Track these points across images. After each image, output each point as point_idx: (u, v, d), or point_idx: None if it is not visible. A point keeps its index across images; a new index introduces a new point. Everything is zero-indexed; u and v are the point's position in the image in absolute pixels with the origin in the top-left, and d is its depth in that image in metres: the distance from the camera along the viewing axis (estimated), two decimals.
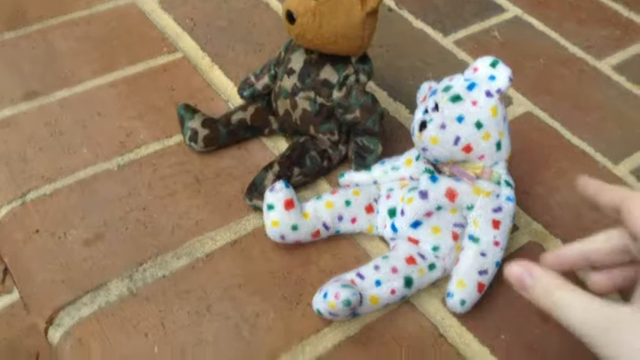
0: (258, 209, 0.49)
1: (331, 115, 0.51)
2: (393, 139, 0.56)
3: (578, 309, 0.31)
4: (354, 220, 0.48)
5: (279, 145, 0.55)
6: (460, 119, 0.42)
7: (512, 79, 0.43)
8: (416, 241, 0.46)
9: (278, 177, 0.50)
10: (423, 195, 0.44)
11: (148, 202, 0.50)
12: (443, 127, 0.43)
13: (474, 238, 0.44)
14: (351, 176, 0.52)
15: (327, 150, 0.52)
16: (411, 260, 0.44)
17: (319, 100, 0.51)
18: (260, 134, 0.56)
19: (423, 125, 0.44)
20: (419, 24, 0.70)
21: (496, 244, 0.44)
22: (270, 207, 0.46)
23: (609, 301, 0.31)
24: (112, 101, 0.58)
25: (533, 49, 0.67)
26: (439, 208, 0.45)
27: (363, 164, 0.51)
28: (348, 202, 0.47)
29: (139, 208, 0.50)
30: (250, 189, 0.50)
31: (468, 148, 0.43)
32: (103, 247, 0.47)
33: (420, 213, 0.45)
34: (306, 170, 0.51)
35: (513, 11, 0.72)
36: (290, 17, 0.47)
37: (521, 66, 0.65)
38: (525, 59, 0.66)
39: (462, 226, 0.45)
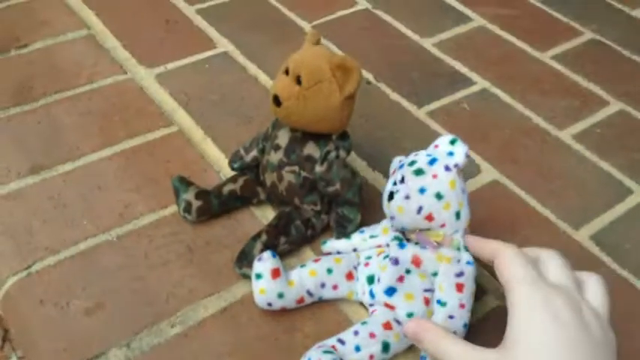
0: (246, 277, 0.53)
1: (314, 188, 0.56)
2: (371, 208, 0.60)
3: (458, 353, 0.39)
4: (335, 287, 0.52)
5: (267, 215, 0.60)
6: (422, 191, 0.47)
7: (468, 156, 0.49)
8: (392, 307, 0.50)
9: (266, 246, 0.54)
10: (395, 261, 0.49)
11: (145, 272, 0.54)
12: (407, 197, 0.47)
13: (441, 302, 0.48)
14: (333, 244, 0.56)
15: (310, 219, 0.57)
16: (387, 326, 0.48)
17: (303, 173, 0.55)
18: (249, 204, 0.60)
19: (391, 196, 0.49)
20: (395, 96, 0.75)
21: (462, 306, 0.48)
22: (259, 276, 0.50)
23: (483, 348, 0.39)
24: (112, 174, 0.62)
25: (499, 120, 0.73)
26: (408, 271, 0.49)
27: (343, 233, 0.56)
28: (329, 270, 0.52)
29: (137, 278, 0.54)
30: (240, 258, 0.54)
31: (430, 217, 0.47)
32: (103, 317, 0.51)
33: (393, 278, 0.49)
34: (291, 239, 0.56)
35: (481, 84, 0.78)
36: (276, 101, 0.52)
37: (489, 136, 0.71)
38: (492, 129, 0.72)
39: (432, 291, 0.49)
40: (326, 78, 0.52)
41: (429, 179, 0.47)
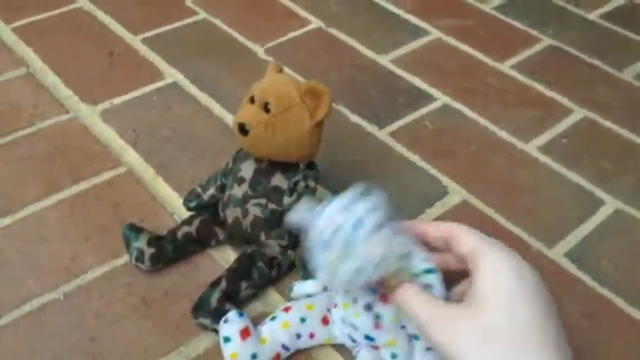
0: (205, 328, 0.50)
1: (281, 221, 0.53)
2: None
3: (420, 305, 0.39)
4: (312, 336, 0.48)
5: (227, 256, 0.56)
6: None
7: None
8: (376, 347, 0.47)
9: (225, 294, 0.51)
10: (368, 307, 0.45)
11: (97, 331, 0.50)
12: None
13: (415, 337, 0.45)
14: (302, 288, 0.52)
15: (276, 257, 0.54)
16: None
17: (270, 206, 0.52)
18: (207, 246, 0.57)
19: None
20: (355, 118, 0.73)
21: None
22: (227, 339, 0.46)
23: (450, 304, 0.39)
24: (56, 224, 0.58)
25: (463, 136, 0.71)
26: (378, 317, 0.45)
27: (311, 272, 0.52)
28: (303, 320, 0.48)
29: (88, 339, 0.49)
30: (196, 307, 0.50)
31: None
32: None
33: (369, 326, 0.45)
34: (254, 283, 0.52)
35: (442, 99, 0.76)
36: (242, 129, 0.49)
37: (455, 153, 0.69)
38: (457, 146, 0.70)
39: None
40: (295, 104, 0.49)
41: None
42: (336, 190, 0.63)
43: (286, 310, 0.49)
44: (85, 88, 0.74)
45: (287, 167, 0.52)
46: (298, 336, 0.48)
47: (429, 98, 0.76)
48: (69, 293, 0.52)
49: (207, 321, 0.49)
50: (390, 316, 0.45)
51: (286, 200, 0.52)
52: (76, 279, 0.54)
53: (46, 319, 0.51)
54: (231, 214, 0.54)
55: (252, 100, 0.50)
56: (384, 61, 0.82)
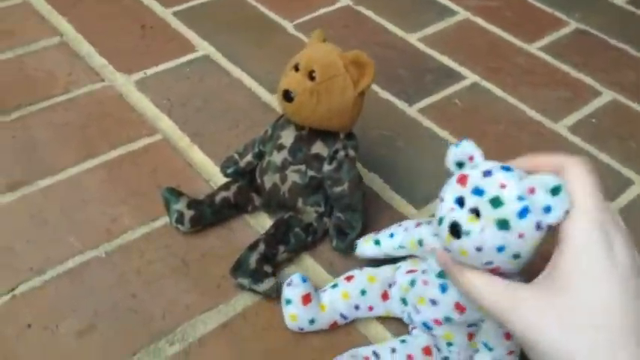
0: (242, 288, 0.51)
1: (319, 188, 0.54)
2: (371, 211, 0.58)
3: (490, 289, 0.36)
4: (370, 308, 0.49)
5: (262, 222, 0.57)
6: (501, 249, 0.36)
7: (568, 213, 0.35)
8: (433, 335, 0.46)
9: (264, 256, 0.52)
10: (433, 302, 0.44)
11: (138, 289, 0.51)
12: (479, 249, 0.36)
13: (488, 347, 0.44)
14: (363, 249, 0.52)
15: (311, 224, 0.55)
16: (427, 351, 0.46)
17: (310, 173, 0.53)
18: (243, 212, 0.58)
19: (455, 228, 0.37)
20: (385, 94, 0.73)
21: (510, 353, 0.43)
22: (288, 301, 0.48)
23: (516, 283, 0.35)
24: (96, 187, 0.59)
25: (493, 115, 0.72)
26: (448, 319, 0.44)
27: (344, 240, 0.53)
28: (363, 292, 0.49)
29: (129, 295, 0.51)
30: (235, 268, 0.51)
31: (495, 270, 0.37)
32: (97, 338, 0.48)
33: (430, 318, 0.45)
34: (290, 247, 0.53)
35: (472, 78, 0.77)
36: (287, 96, 0.50)
37: (484, 131, 0.69)
38: (487, 124, 0.70)
39: (476, 325, 0.44)
40: (340, 73, 0.50)
41: (513, 238, 0.35)
42: (366, 164, 0.64)
43: (348, 279, 0.50)
44: (118, 58, 0.75)
45: (327, 136, 0.53)
46: (357, 307, 0.49)
47: (458, 77, 0.77)
48: (110, 252, 0.54)
49: (245, 281, 0.50)
50: (458, 322, 0.44)
51: (325, 168, 0.53)
52: (116, 239, 0.55)
53: (88, 276, 0.52)
54: (269, 180, 0.55)
55: (296, 68, 0.51)
56: (413, 39, 0.83)
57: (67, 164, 0.61)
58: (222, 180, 0.59)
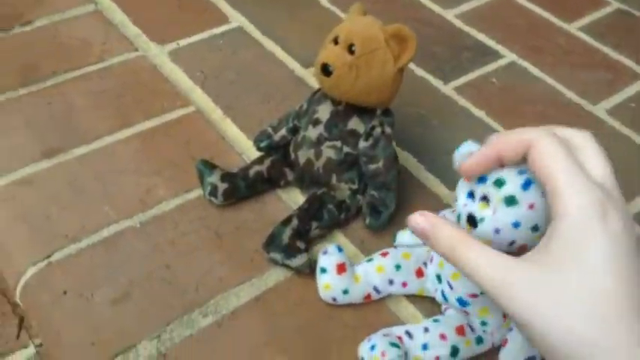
0: (275, 262, 0.51)
1: (353, 165, 0.54)
2: (404, 190, 0.58)
3: (483, 265, 0.32)
4: (404, 285, 0.49)
5: (295, 198, 0.57)
6: (516, 225, 0.36)
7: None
8: (466, 312, 0.46)
9: (297, 231, 0.52)
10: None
11: (171, 260, 0.51)
12: (497, 231, 0.37)
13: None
14: (402, 238, 0.52)
15: (345, 201, 0.54)
16: (460, 330, 0.45)
17: (345, 149, 0.53)
18: (276, 186, 0.57)
19: (471, 220, 0.38)
20: (420, 72, 0.72)
21: None
22: (323, 270, 0.48)
23: (509, 256, 0.33)
24: (130, 157, 0.59)
25: (530, 95, 0.70)
26: (482, 293, 0.44)
27: (377, 218, 0.53)
28: (398, 267, 0.49)
29: (163, 266, 0.51)
30: (268, 243, 0.51)
31: (523, 248, 0.37)
32: (131, 307, 0.48)
33: (465, 293, 0.45)
34: (323, 224, 0.53)
35: (509, 57, 0.75)
36: (325, 70, 0.49)
37: (521, 111, 0.68)
38: (523, 105, 0.69)
39: None
40: (381, 47, 0.49)
41: (524, 210, 0.36)
42: (400, 142, 0.63)
43: (383, 254, 0.50)
44: (152, 27, 0.75)
45: (364, 112, 0.53)
46: (391, 282, 0.48)
47: (495, 55, 0.75)
48: (144, 222, 0.54)
49: (278, 256, 0.50)
50: None
51: (361, 144, 0.52)
52: (150, 209, 0.55)
53: (123, 245, 0.52)
54: (303, 155, 0.54)
55: (335, 41, 0.50)
56: (450, 16, 0.81)
57: (102, 133, 0.61)
58: (255, 154, 0.59)
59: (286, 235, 0.51)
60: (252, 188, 0.56)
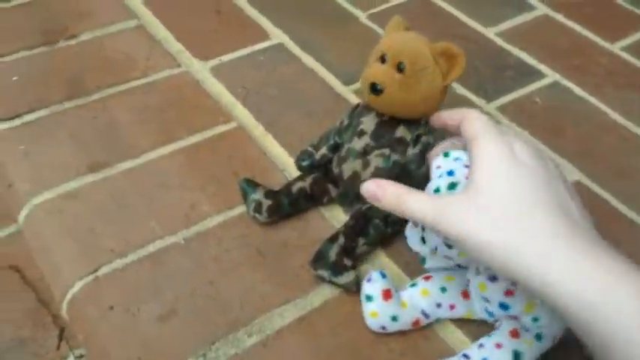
0: (322, 279, 0.51)
1: (400, 175, 0.53)
2: None
3: (420, 204, 0.40)
4: (452, 307, 0.48)
5: (337, 216, 0.57)
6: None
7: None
8: (515, 317, 0.46)
9: (344, 248, 0.51)
10: (492, 279, 0.45)
11: (215, 276, 0.52)
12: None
13: (534, 318, 0.44)
14: (431, 264, 0.50)
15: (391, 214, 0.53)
16: (514, 334, 0.45)
17: (393, 157, 0.53)
18: (319, 203, 0.57)
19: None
20: (462, 90, 0.72)
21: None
22: (369, 298, 0.47)
23: (446, 195, 0.41)
24: (174, 172, 0.60)
25: (574, 115, 0.69)
26: (513, 283, 0.44)
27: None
28: (443, 289, 0.48)
29: (207, 283, 0.51)
30: (315, 260, 0.51)
31: None
32: (177, 324, 0.48)
33: (499, 295, 0.45)
34: (370, 239, 0.53)
35: (552, 76, 0.74)
36: (375, 89, 0.50)
37: (564, 132, 0.67)
38: (567, 125, 0.68)
39: None
40: (430, 64, 0.49)
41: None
42: None
43: (426, 278, 0.49)
44: (194, 43, 0.75)
45: (409, 121, 0.53)
46: (438, 305, 0.48)
47: (537, 74, 0.75)
48: (188, 238, 0.54)
49: (325, 273, 0.50)
50: None
51: (410, 152, 0.52)
52: (194, 225, 0.55)
53: (168, 260, 0.52)
54: (348, 168, 0.54)
55: (382, 59, 0.50)
56: (491, 34, 0.81)
57: (147, 148, 0.62)
58: (296, 170, 0.59)
59: (333, 252, 0.51)
60: (295, 205, 0.56)
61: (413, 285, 0.49)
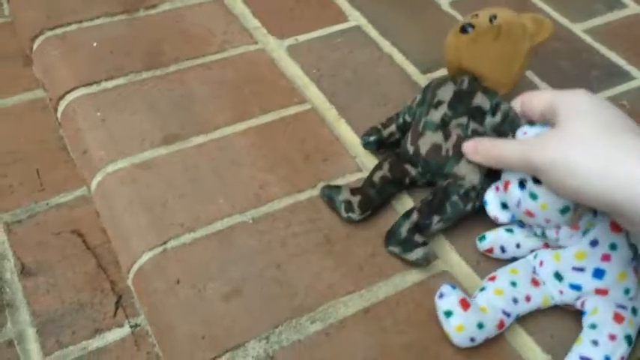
0: (394, 256, 0.51)
1: None
2: None
3: (512, 143, 0.47)
4: (528, 299, 0.47)
5: (408, 206, 0.55)
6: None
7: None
8: (604, 291, 0.44)
9: (416, 225, 0.51)
10: (594, 244, 0.44)
11: (282, 260, 0.51)
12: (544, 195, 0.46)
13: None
14: (495, 237, 0.50)
15: (474, 188, 0.52)
16: (618, 318, 0.43)
17: (472, 125, 0.52)
18: (402, 186, 0.56)
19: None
20: (545, 87, 0.69)
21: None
22: (448, 314, 0.45)
23: (525, 139, 0.47)
24: (246, 150, 0.59)
25: None
26: (613, 247, 0.44)
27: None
28: (513, 284, 0.47)
29: (274, 265, 0.51)
30: (388, 236, 0.52)
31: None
32: (241, 304, 0.48)
33: (598, 257, 0.44)
34: (445, 217, 0.51)
35: None
36: (464, 29, 0.52)
37: None
38: None
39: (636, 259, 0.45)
40: (520, 24, 0.52)
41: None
42: None
43: (492, 279, 0.48)
44: (271, 21, 0.75)
45: (486, 90, 0.52)
46: (515, 300, 0.46)
47: (626, 76, 0.71)
48: (257, 219, 0.54)
49: (396, 249, 0.50)
50: (626, 245, 0.44)
51: (488, 120, 0.51)
52: (263, 206, 0.55)
53: (235, 239, 0.52)
54: (426, 142, 0.53)
55: (475, 16, 0.53)
56: (578, 30, 0.77)
57: (221, 123, 0.62)
58: (368, 159, 0.58)
59: (404, 228, 0.51)
60: (382, 193, 0.54)
61: (482, 289, 0.47)
